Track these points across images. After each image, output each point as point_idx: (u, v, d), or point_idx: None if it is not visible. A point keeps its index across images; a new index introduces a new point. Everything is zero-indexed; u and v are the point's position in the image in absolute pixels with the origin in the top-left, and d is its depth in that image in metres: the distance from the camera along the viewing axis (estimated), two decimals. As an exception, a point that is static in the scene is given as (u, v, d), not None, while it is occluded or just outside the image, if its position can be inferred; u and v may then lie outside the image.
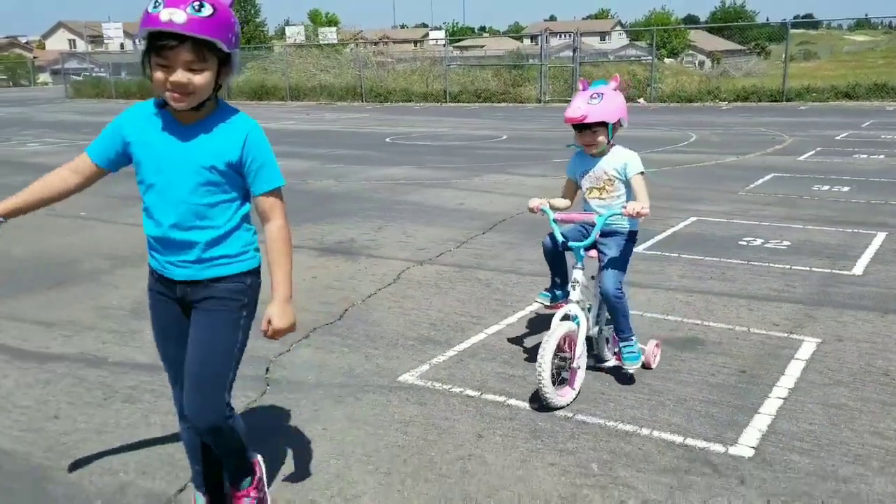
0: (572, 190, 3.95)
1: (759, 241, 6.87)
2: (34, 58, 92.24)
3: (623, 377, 3.91)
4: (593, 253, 3.80)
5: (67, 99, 41.17)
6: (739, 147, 13.92)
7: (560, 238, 3.72)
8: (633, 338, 3.79)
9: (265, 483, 2.73)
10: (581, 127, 3.67)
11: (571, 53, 28.82)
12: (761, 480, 2.99)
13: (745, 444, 3.27)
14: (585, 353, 3.70)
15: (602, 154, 3.79)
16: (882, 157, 12.22)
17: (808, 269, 5.97)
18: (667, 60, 47.38)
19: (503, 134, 17.74)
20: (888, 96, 24.47)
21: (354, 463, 3.17)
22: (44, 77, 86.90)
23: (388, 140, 16.95)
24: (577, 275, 3.71)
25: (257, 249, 2.46)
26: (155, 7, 2.08)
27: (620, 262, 3.75)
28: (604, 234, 3.75)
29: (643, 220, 3.71)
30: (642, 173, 3.72)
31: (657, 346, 4.07)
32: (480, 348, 4.48)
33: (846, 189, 9.42)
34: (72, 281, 6.06)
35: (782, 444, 3.27)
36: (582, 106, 3.59)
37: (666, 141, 15.18)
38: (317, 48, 39.64)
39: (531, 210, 3.81)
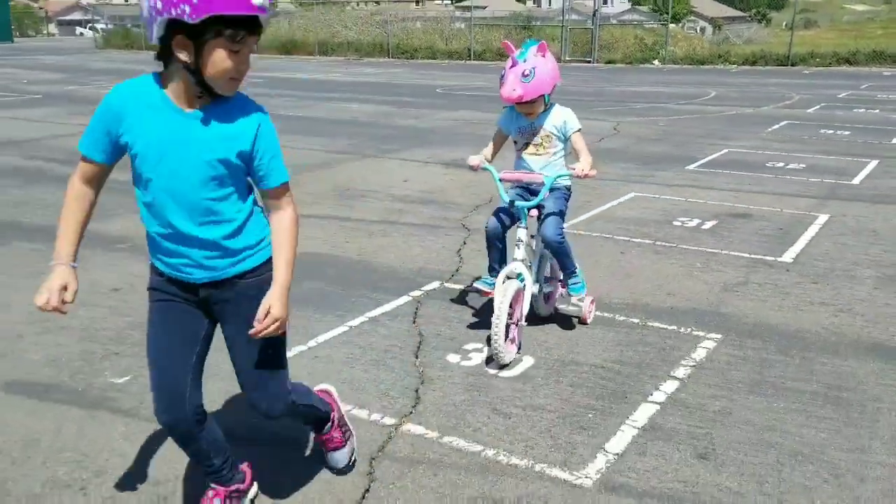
0: (501, 141, 3.99)
1: (780, 164, 9.01)
2: (40, 8, 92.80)
3: (566, 321, 4.19)
4: (533, 211, 3.81)
5: (97, 49, 42.50)
6: (754, 101, 16.00)
7: (505, 199, 3.81)
8: (576, 272, 3.99)
9: (343, 416, 2.79)
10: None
11: (592, 16, 30.52)
12: (798, 274, 5.19)
13: (787, 257, 5.45)
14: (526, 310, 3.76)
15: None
16: (877, 111, 14.33)
17: (819, 180, 8.13)
18: (670, 26, 48.99)
19: (541, 87, 19.74)
20: (886, 63, 26.47)
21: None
22: (50, 28, 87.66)
23: (438, 90, 18.91)
24: (520, 233, 3.76)
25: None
26: None
27: (560, 213, 3.85)
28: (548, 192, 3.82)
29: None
30: (579, 130, 3.85)
31: (592, 302, 4.20)
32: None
33: (847, 133, 11.55)
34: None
35: (808, 257, 5.45)
36: (517, 87, 3.60)
37: (689, 96, 17.24)
38: (334, 4, 41.15)
39: (471, 168, 3.84)
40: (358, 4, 49.17)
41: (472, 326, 4.20)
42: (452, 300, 4.60)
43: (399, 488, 2.76)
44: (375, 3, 51.78)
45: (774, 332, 4.14)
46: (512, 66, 3.66)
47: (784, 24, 56.52)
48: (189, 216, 2.10)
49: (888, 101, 16.15)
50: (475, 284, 4.22)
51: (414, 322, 4.28)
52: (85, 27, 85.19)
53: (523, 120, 3.87)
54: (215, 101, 2.04)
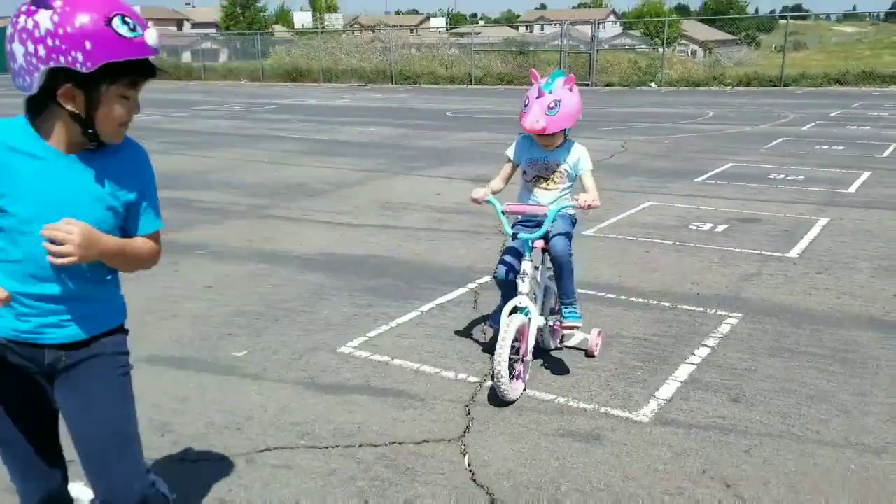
0: (510, 172, 3.95)
1: (781, 176, 9.76)
2: None
3: (561, 359, 4.04)
4: (539, 243, 3.75)
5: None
6: (751, 120, 16.81)
7: (509, 231, 3.74)
8: (574, 300, 3.87)
9: None
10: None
11: (589, 41, 31.51)
12: (805, 266, 5.89)
13: (794, 253, 6.16)
14: (533, 346, 3.68)
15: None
16: (868, 127, 15.14)
17: (817, 189, 8.87)
18: (659, 50, 50.16)
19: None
20: (874, 82, 27.41)
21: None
22: None
23: (448, 114, 19.71)
24: (525, 266, 3.67)
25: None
26: (132, 30, 1.75)
27: (567, 234, 3.76)
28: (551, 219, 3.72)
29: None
30: (591, 169, 3.80)
31: (599, 334, 4.13)
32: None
33: (841, 147, 12.32)
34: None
35: (812, 253, 6.16)
36: (541, 119, 3.55)
37: (689, 116, 18.06)
38: (327, 33, 42.21)
39: (475, 201, 3.76)
40: (353, 32, 50.35)
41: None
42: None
43: (494, 424, 3.43)
44: (371, 30, 52.86)
45: (787, 311, 4.84)
46: (538, 97, 3.59)
47: (773, 46, 57.81)
48: (59, 268, 1.86)
49: (878, 118, 16.98)
50: (489, 324, 4.17)
51: (475, 307, 4.97)
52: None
53: (537, 151, 3.80)
54: (99, 146, 1.89)
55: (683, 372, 3.96)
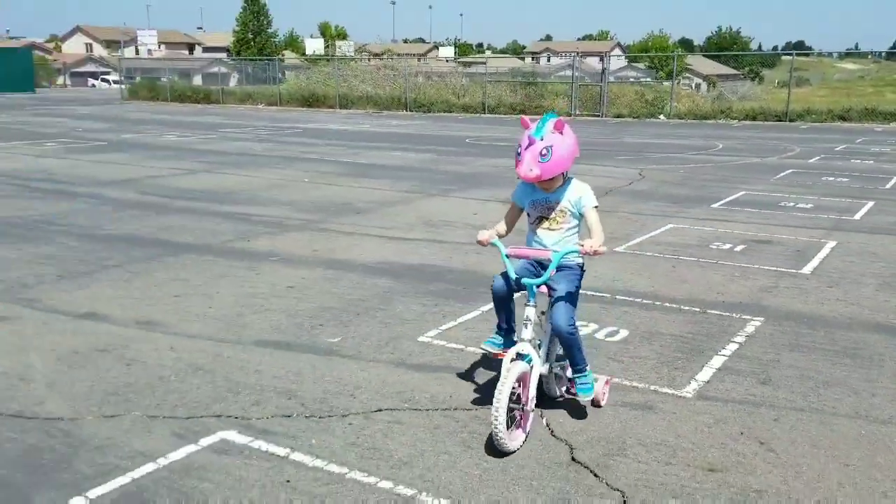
0: (515, 215, 3.89)
1: (791, 203, 10.50)
2: (54, 60, 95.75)
3: (575, 409, 3.90)
4: (543, 288, 3.67)
5: (123, 100, 44.38)
6: (760, 152, 17.61)
7: (513, 275, 3.63)
8: (587, 370, 3.75)
9: None
10: None
11: (600, 73, 32.50)
12: (817, 281, 6.60)
13: (806, 270, 6.87)
14: (536, 395, 3.59)
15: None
16: (871, 161, 15.94)
17: (825, 216, 9.60)
18: (664, 83, 51.32)
19: (562, 139, 21.40)
20: (877, 119, 28.31)
21: (628, 267, 6.73)
22: (61, 79, 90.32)
23: (467, 140, 20.53)
24: (528, 312, 3.57)
25: None
26: None
27: (572, 297, 3.64)
28: (556, 269, 3.65)
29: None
30: (596, 207, 3.71)
31: (607, 383, 4.03)
32: (651, 239, 8.06)
33: (846, 179, 13.09)
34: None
35: (823, 270, 6.87)
36: (535, 168, 3.52)
37: (699, 147, 18.87)
38: (337, 60, 43.35)
39: (480, 243, 3.74)
40: (363, 60, 51.60)
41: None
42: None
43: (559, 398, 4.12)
44: (379, 57, 54.04)
45: (803, 317, 5.54)
46: (528, 146, 3.54)
47: (776, 82, 59.10)
48: None
49: (881, 153, 17.79)
50: (483, 346, 3.93)
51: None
52: (97, 79, 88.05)
53: (538, 193, 3.76)
54: None
55: (717, 361, 4.65)
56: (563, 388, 3.98)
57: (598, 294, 5.99)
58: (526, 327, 3.57)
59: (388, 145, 18.86)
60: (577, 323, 3.78)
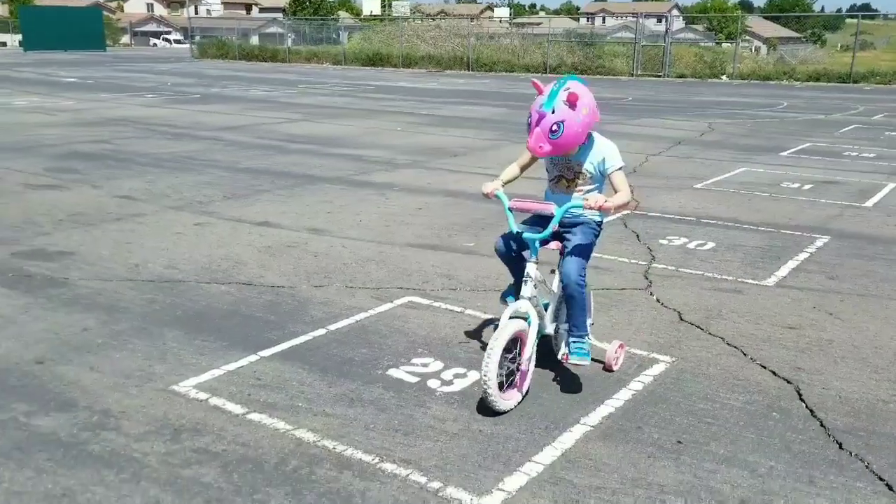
0: (529, 161, 3.67)
1: (854, 154, 11.26)
2: (118, 20, 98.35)
3: (567, 370, 3.71)
4: (555, 245, 3.52)
5: (194, 58, 45.93)
6: (824, 110, 18.15)
7: (514, 229, 3.46)
8: (585, 335, 3.53)
9: None
10: None
11: (663, 33, 32.82)
12: (876, 212, 7.48)
13: (868, 204, 7.74)
14: (535, 354, 3.41)
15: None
16: (935, 119, 16.43)
17: (886, 163, 10.35)
18: (724, 45, 50.91)
19: (629, 96, 22.08)
20: (943, 81, 28.26)
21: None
22: (125, 38, 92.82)
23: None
24: (529, 269, 3.41)
25: None
26: None
27: (585, 250, 3.48)
28: (571, 224, 3.50)
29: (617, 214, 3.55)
30: (621, 168, 3.48)
31: (621, 346, 3.81)
32: (726, 179, 8.98)
33: (909, 134, 13.73)
34: (464, 153, 10.66)
35: (883, 205, 7.73)
36: (545, 144, 3.28)
37: (764, 105, 19.45)
38: (391, 19, 44.12)
39: (485, 195, 3.56)
40: (415, 20, 52.16)
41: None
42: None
43: (667, 281, 5.17)
44: (431, 18, 54.39)
45: (864, 237, 6.47)
46: (539, 120, 3.27)
47: (839, 45, 57.99)
48: None
49: (946, 112, 18.20)
50: (501, 299, 3.77)
51: (625, 226, 6.70)
52: (159, 38, 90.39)
53: None
54: None
55: (792, 264, 5.64)
56: (560, 354, 3.71)
57: (685, 217, 6.99)
58: (526, 284, 3.41)
59: (460, 100, 19.83)
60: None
